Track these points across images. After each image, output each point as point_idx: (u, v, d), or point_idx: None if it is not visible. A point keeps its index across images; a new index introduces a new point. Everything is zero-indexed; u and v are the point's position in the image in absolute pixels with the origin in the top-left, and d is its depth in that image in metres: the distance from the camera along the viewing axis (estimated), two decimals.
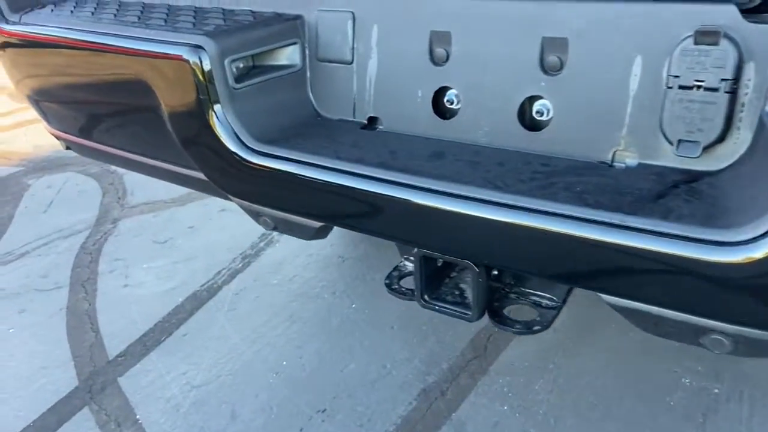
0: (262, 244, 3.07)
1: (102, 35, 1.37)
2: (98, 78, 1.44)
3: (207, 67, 1.24)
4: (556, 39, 1.06)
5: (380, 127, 1.31)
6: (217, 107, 1.27)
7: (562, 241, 0.94)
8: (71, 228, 3.37)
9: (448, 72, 1.20)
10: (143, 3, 1.55)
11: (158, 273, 2.93)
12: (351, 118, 1.35)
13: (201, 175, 1.43)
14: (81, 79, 1.48)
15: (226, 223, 3.31)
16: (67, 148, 1.79)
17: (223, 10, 1.44)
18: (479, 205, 0.99)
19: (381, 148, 1.21)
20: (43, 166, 4.19)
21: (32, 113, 5.21)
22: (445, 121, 1.22)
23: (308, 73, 1.38)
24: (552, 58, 1.07)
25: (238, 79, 1.29)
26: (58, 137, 1.77)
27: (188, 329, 2.53)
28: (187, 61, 1.25)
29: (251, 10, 1.41)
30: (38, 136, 4.64)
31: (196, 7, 1.47)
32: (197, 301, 2.70)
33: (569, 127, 1.08)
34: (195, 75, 1.25)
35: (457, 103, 1.20)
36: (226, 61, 1.26)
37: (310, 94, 1.40)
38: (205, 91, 1.26)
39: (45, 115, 1.74)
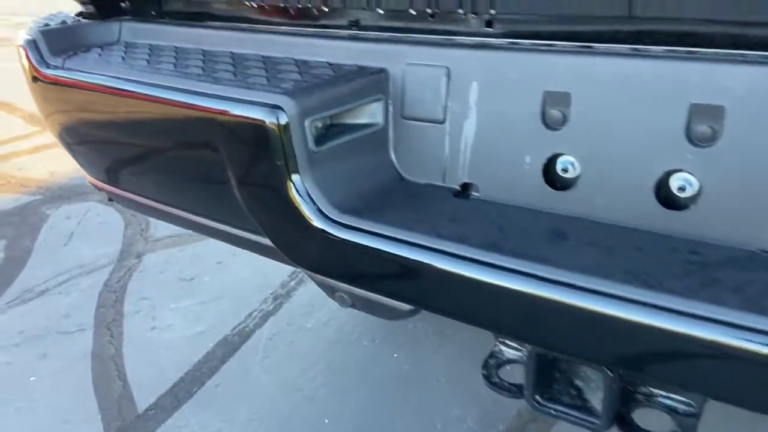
0: (293, 283, 2.88)
1: (162, 89, 1.19)
2: (155, 133, 1.26)
3: (285, 129, 1.06)
4: (710, 107, 0.89)
5: (475, 194, 1.13)
6: (294, 173, 1.09)
7: (739, 359, 0.76)
8: (93, 263, 3.17)
9: (564, 137, 1.02)
10: (203, 50, 1.38)
11: (186, 314, 2.74)
12: (440, 183, 1.17)
13: (267, 242, 1.26)
14: (134, 132, 1.30)
15: (253, 259, 3.08)
16: (110, 199, 1.61)
17: (296, 61, 1.26)
18: (629, 307, 0.81)
19: (485, 224, 1.03)
20: (61, 194, 3.99)
21: (49, 137, 5.03)
22: (558, 192, 1.04)
23: (391, 132, 1.20)
24: (702, 128, 0.90)
25: (318, 140, 1.11)
26: (99, 188, 1.59)
27: (221, 379, 2.34)
28: (264, 122, 1.07)
29: (328, 62, 1.24)
30: (55, 162, 4.45)
31: (264, 57, 1.30)
32: (229, 346, 2.51)
33: (721, 208, 0.91)
34: (271, 137, 1.07)
35: (574, 173, 1.02)
36: (306, 122, 1.08)
37: (392, 155, 1.21)
38: (282, 155, 1.08)
39: (85, 164, 1.55)
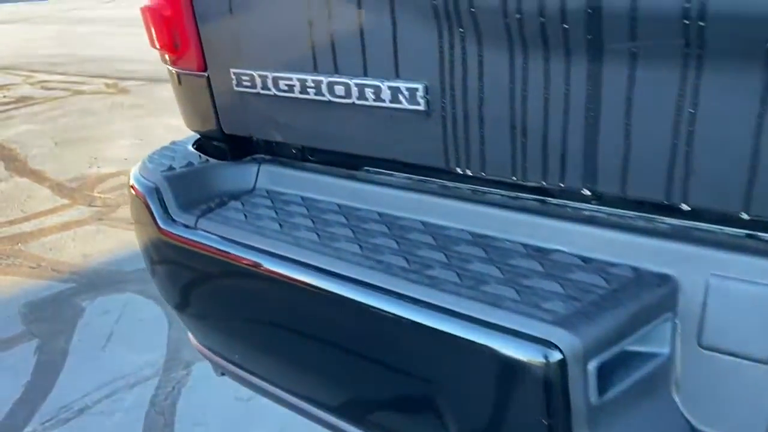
0: None
1: (352, 287, 0.82)
2: (333, 330, 0.89)
3: (561, 374, 0.70)
4: None
5: None
6: None
7: None
8: (137, 374, 2.73)
9: None
10: (380, 215, 1.01)
11: None
12: None
13: None
14: (301, 323, 0.93)
15: None
16: (222, 374, 1.23)
17: (527, 248, 0.90)
18: None
19: None
20: (96, 282, 3.57)
21: (80, 212, 4.63)
22: None
23: (678, 364, 0.84)
24: None
25: (601, 388, 0.75)
26: (210, 359, 1.21)
27: None
28: (525, 363, 0.71)
29: (580, 256, 0.88)
30: (87, 242, 4.05)
31: (474, 236, 0.94)
32: None
33: None
34: (535, 384, 0.71)
35: None
36: (590, 366, 0.72)
37: (675, 396, 0.85)
38: (548, 409, 0.72)
39: (199, 332, 1.17)
